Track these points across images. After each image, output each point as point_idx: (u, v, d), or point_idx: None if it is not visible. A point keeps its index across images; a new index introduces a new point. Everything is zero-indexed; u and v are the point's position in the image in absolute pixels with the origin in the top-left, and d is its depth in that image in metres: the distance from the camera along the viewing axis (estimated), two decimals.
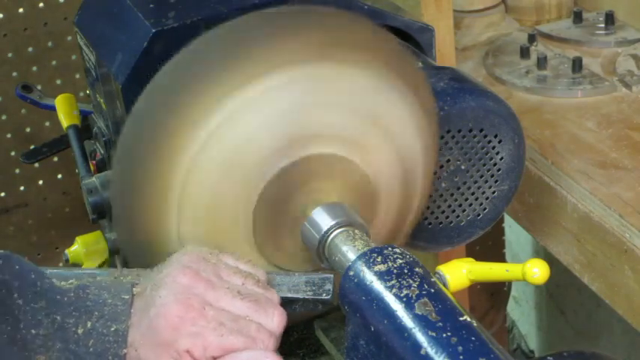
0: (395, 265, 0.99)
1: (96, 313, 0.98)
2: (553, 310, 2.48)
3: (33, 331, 0.95)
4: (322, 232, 1.08)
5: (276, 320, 0.99)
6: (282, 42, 1.05)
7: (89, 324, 0.97)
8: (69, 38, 1.98)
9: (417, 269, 0.99)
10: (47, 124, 2.01)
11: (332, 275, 1.06)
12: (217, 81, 1.03)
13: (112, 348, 0.97)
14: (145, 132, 1.05)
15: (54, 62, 2.00)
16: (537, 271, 1.03)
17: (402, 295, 0.95)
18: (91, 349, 0.96)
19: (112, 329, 0.97)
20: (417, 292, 0.96)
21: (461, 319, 0.93)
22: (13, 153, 2.02)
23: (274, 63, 1.05)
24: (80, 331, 0.97)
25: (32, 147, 1.86)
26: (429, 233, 1.28)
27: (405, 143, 1.14)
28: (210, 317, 0.96)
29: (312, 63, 1.06)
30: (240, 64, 1.04)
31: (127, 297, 0.99)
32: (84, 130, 1.50)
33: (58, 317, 0.97)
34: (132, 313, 0.98)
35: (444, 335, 0.91)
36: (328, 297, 1.05)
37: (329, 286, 1.05)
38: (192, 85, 1.03)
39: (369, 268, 1.00)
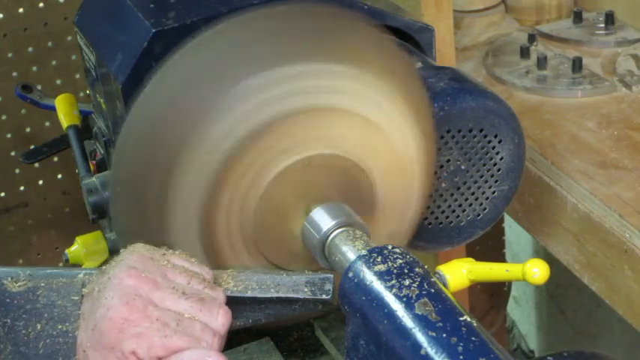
0: (395, 265, 0.99)
1: (45, 315, 0.98)
2: (553, 310, 2.48)
3: None
4: (322, 232, 1.08)
5: (220, 319, 0.99)
6: (281, 41, 1.06)
7: (39, 326, 0.98)
8: (69, 38, 1.98)
9: (417, 269, 0.99)
10: (47, 124, 2.01)
11: (332, 275, 1.06)
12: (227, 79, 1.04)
13: (62, 350, 0.97)
14: (148, 130, 1.06)
15: (54, 62, 2.00)
16: (537, 271, 1.03)
17: (402, 295, 0.95)
18: (41, 351, 0.97)
19: (62, 331, 0.98)
20: (417, 292, 0.95)
21: (461, 319, 0.93)
22: (13, 153, 2.02)
23: (270, 62, 1.05)
24: (30, 333, 0.98)
25: (32, 147, 1.86)
26: (429, 233, 1.28)
27: (404, 143, 1.13)
28: (155, 318, 0.96)
29: (310, 64, 1.07)
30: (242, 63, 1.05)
31: (76, 298, 0.99)
32: (84, 130, 1.50)
33: (9, 320, 0.98)
34: (80, 315, 0.98)
35: (444, 335, 0.90)
36: (328, 297, 1.05)
37: (329, 286, 1.05)
38: (200, 81, 1.05)
39: (369, 268, 1.00)
